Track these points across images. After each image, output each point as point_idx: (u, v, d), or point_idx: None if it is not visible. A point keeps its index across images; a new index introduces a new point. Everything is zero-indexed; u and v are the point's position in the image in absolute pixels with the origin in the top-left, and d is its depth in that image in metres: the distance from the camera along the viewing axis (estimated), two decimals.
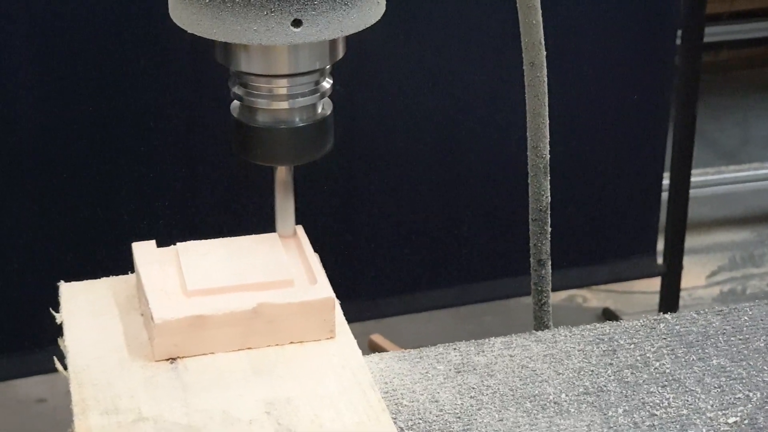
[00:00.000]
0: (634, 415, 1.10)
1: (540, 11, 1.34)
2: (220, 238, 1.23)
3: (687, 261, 2.92)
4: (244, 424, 1.06)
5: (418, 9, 2.34)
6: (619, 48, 2.59)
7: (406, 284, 2.60)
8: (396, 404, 1.13)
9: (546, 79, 1.39)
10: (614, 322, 1.24)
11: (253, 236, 1.24)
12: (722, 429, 1.09)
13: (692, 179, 3.23)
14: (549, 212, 1.46)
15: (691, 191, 3.25)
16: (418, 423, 1.10)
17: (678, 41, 2.68)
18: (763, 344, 1.19)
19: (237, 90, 1.18)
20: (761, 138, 3.85)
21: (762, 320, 1.22)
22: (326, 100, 1.20)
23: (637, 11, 2.58)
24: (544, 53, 1.38)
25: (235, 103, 1.20)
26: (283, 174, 1.21)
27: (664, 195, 2.82)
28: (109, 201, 2.27)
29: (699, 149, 3.61)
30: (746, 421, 1.09)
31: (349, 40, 1.18)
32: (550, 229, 1.47)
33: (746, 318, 1.23)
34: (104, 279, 1.24)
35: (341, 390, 1.10)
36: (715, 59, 3.92)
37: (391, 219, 2.51)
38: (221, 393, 1.10)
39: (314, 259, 1.20)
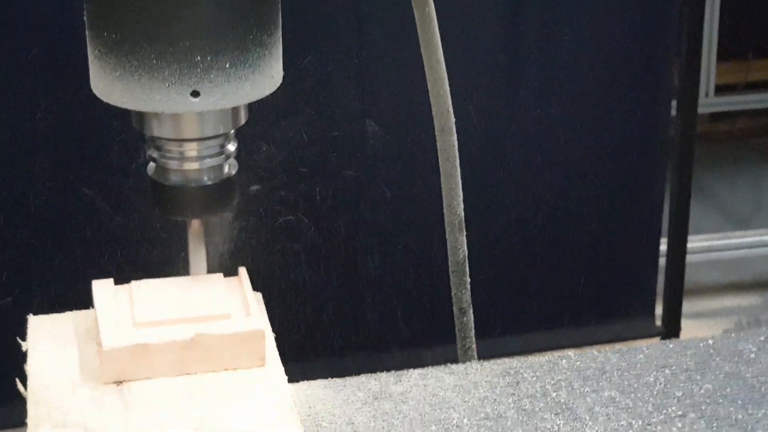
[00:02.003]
0: None
1: (447, 81, 1.49)
2: (171, 277, 1.38)
3: (693, 324, 2.99)
4: None
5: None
6: (617, 115, 2.71)
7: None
8: (316, 426, 1.26)
9: (456, 143, 1.52)
10: (521, 357, 1.36)
11: (199, 276, 1.39)
12: None
13: (699, 244, 3.31)
14: (467, 264, 1.58)
15: (699, 255, 3.31)
16: None
17: (673, 112, 2.79)
18: (652, 379, 1.31)
19: (152, 153, 1.33)
20: None
21: (656, 358, 1.34)
22: (232, 160, 1.36)
23: (633, 80, 2.70)
24: (453, 120, 1.52)
25: (151, 164, 1.35)
26: (195, 227, 1.36)
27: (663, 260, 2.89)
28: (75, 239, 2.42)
29: (711, 214, 3.70)
30: None
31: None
32: (468, 280, 1.59)
33: (642, 356, 1.35)
34: (68, 312, 1.39)
35: (265, 412, 1.24)
36: (732, 128, 4.03)
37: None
38: (159, 412, 1.23)
39: (251, 297, 1.35)
